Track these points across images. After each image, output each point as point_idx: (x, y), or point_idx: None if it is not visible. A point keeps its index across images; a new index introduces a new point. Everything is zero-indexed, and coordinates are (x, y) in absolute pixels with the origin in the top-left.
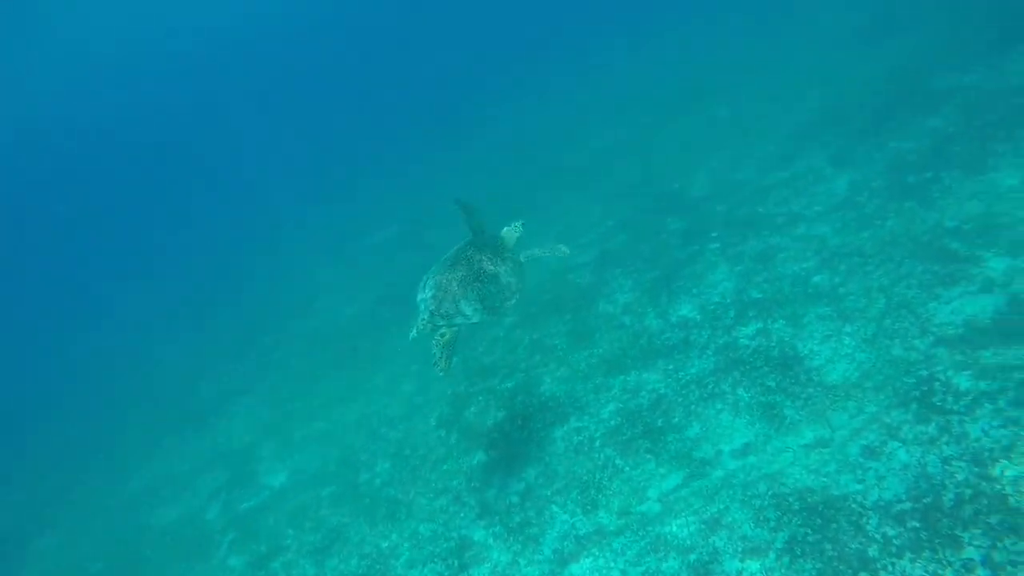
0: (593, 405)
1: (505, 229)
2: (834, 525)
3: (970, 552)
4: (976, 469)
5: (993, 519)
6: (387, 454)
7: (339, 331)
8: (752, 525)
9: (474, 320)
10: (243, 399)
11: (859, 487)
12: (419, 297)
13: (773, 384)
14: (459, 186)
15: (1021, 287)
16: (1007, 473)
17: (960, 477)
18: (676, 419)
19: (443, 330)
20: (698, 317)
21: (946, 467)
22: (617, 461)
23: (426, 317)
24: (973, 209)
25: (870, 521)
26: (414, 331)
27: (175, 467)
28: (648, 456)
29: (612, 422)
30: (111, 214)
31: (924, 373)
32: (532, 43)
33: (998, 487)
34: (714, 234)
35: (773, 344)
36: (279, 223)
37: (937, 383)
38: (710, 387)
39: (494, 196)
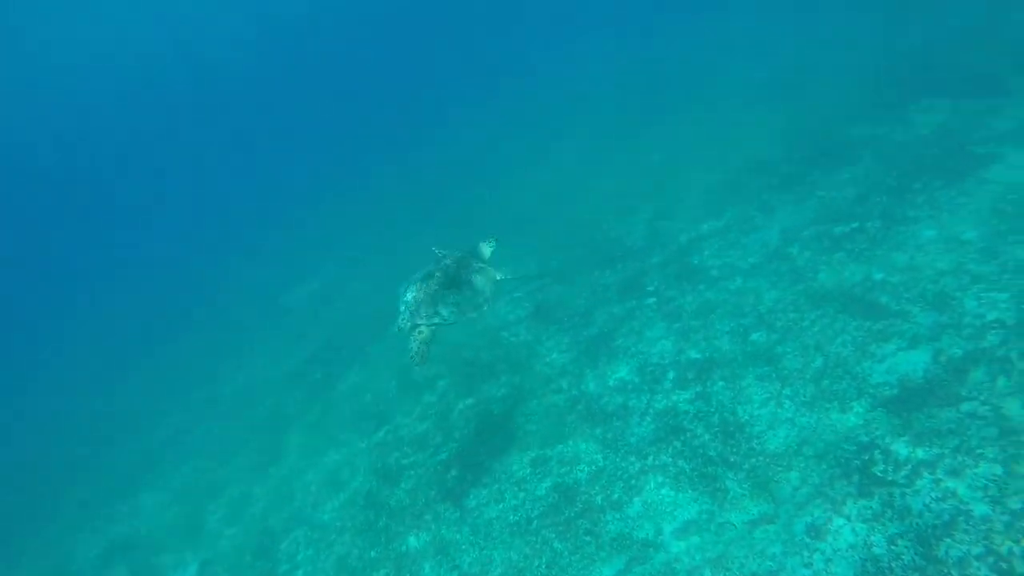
0: (530, 480)
1: (481, 244)
2: None
3: None
4: (922, 549)
5: None
6: (310, 540)
7: (263, 395)
8: None
9: (449, 321)
10: (152, 478)
11: (807, 572)
12: (400, 299)
13: (714, 454)
14: (381, 232)
15: (947, 343)
16: (951, 553)
17: (907, 559)
18: (616, 495)
19: (422, 328)
20: (636, 380)
21: (892, 547)
22: (556, 544)
23: (407, 316)
24: (898, 261)
25: None
26: (395, 327)
27: (63, 563)
28: (588, 539)
29: (550, 499)
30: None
31: (864, 439)
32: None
33: (944, 571)
34: (651, 288)
35: (713, 409)
36: (204, 275)
37: (877, 451)
38: (650, 458)
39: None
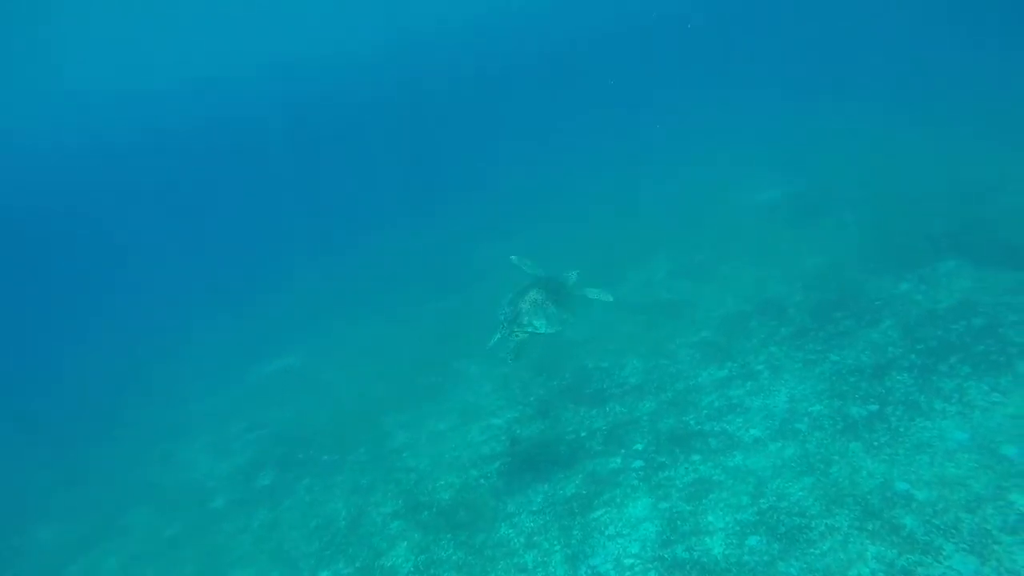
0: None
1: (565, 273)
2: None
3: None
4: None
5: None
6: None
7: (204, 495)
8: None
9: (540, 331)
10: None
11: None
12: (499, 312)
13: None
14: (356, 316)
15: None
16: None
17: None
18: None
19: (516, 335)
20: (612, 574)
21: None
22: None
23: (505, 326)
24: (924, 469)
25: None
26: (496, 336)
27: None
28: None
29: None
30: None
31: None
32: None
33: None
34: (639, 446)
35: None
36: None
37: None
38: None
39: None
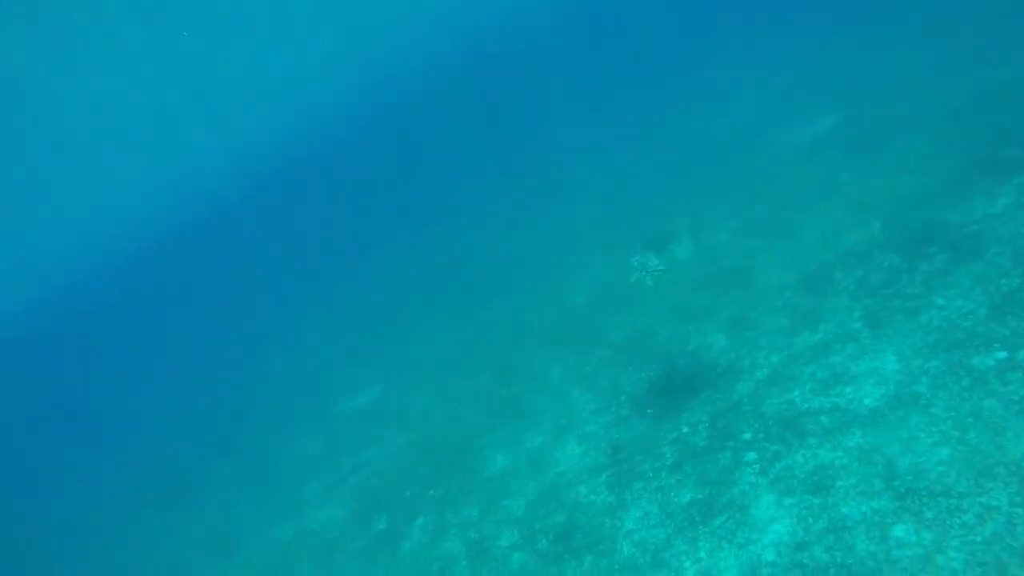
0: None
1: (674, 222)
2: None
3: None
4: None
5: None
6: None
7: (326, 554)
8: None
9: (660, 268)
10: None
11: None
12: (633, 260)
13: None
14: (434, 339)
15: None
16: None
17: None
18: None
19: (649, 272)
20: None
21: None
22: None
23: (638, 267)
24: None
25: None
26: (634, 276)
27: None
28: None
29: None
30: None
31: None
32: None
33: None
34: (747, 435)
35: None
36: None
37: None
38: None
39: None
